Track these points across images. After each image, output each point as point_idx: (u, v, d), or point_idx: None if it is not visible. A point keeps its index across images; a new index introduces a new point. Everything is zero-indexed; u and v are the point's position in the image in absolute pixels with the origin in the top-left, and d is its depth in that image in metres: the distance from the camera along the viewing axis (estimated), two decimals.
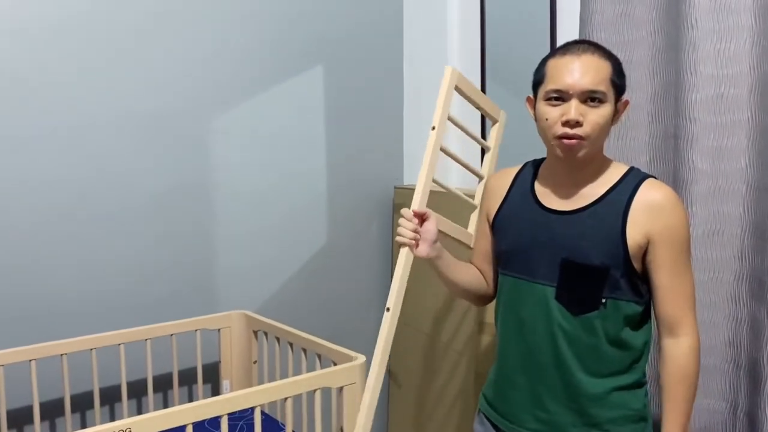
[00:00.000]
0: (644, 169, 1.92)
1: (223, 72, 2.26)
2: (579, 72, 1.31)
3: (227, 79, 2.27)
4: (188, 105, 2.20)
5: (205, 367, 2.27)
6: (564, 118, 1.32)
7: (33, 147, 1.93)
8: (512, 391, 1.46)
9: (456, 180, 2.49)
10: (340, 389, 1.70)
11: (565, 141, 1.33)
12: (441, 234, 1.56)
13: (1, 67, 1.86)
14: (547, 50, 2.12)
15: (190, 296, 2.25)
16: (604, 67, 1.33)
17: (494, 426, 1.51)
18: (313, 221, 2.52)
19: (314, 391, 1.66)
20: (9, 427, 1.92)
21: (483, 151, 1.91)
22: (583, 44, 1.37)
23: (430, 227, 1.50)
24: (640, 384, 1.42)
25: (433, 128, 1.59)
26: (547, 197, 1.43)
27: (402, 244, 1.50)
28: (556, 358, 1.39)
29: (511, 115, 1.94)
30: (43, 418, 1.98)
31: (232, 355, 2.23)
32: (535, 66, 1.44)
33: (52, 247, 1.98)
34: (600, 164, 1.41)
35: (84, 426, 2.06)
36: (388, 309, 1.51)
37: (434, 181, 1.63)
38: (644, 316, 1.41)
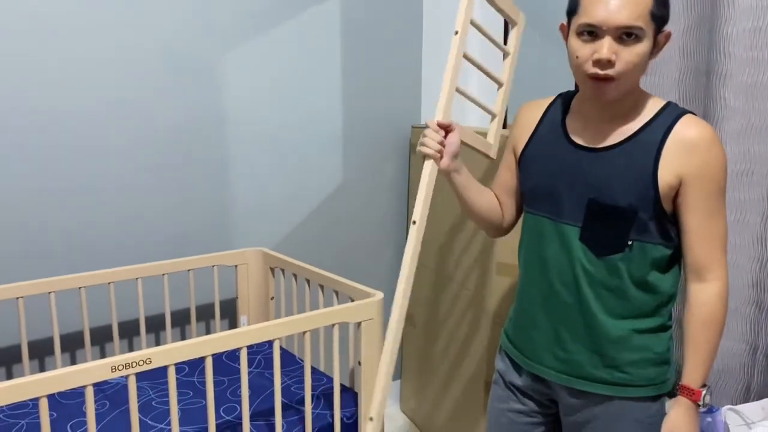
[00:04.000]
0: None
1: (239, 5, 2.19)
2: (615, 4, 1.21)
3: (242, 13, 2.21)
4: (202, 40, 2.14)
5: (222, 303, 2.28)
6: (595, 57, 1.23)
7: (49, 83, 1.90)
8: (533, 329, 1.45)
9: (474, 120, 2.44)
10: (358, 325, 1.70)
11: (596, 81, 1.25)
12: (463, 145, 1.50)
13: (20, 8, 1.81)
14: None
15: (208, 233, 2.25)
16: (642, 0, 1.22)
17: (514, 363, 1.51)
18: (329, 159, 2.49)
19: (332, 326, 1.67)
20: (31, 357, 1.96)
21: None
22: None
23: (454, 139, 1.44)
24: (664, 327, 1.39)
25: (456, 33, 1.51)
26: (578, 133, 1.37)
27: (426, 156, 1.44)
28: (578, 299, 1.37)
29: (529, 52, 1.87)
30: (63, 350, 2.01)
31: (249, 292, 2.24)
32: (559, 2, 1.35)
33: (69, 182, 1.97)
34: (635, 100, 1.33)
35: (104, 357, 2.10)
36: (414, 222, 1.46)
37: (458, 90, 1.56)
38: (673, 259, 1.36)
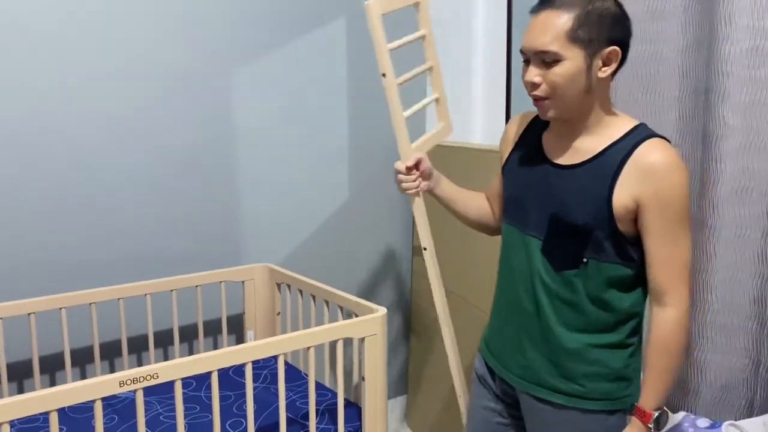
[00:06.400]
0: (673, 126, 1.88)
1: (247, 24, 2.24)
2: (532, 32, 1.28)
3: (251, 31, 2.25)
4: (212, 58, 2.19)
5: (229, 319, 2.31)
6: (524, 80, 1.33)
7: (63, 101, 1.95)
8: (501, 336, 1.51)
9: (480, 137, 2.47)
10: (362, 340, 1.72)
11: (534, 102, 1.33)
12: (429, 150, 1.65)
13: (35, 27, 1.87)
14: None
15: (215, 249, 2.28)
16: (557, 24, 1.24)
17: (488, 367, 1.56)
18: (335, 175, 2.53)
19: (336, 341, 1.69)
20: (42, 372, 1.99)
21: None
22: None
23: (424, 166, 1.58)
24: (624, 344, 1.39)
25: (384, 75, 1.59)
26: (552, 149, 1.41)
27: (412, 195, 1.61)
28: (536, 309, 1.40)
29: None
30: (73, 365, 2.04)
31: (256, 307, 2.27)
32: None
33: (80, 199, 2.01)
34: (598, 119, 1.34)
35: (113, 372, 2.12)
36: (425, 249, 1.68)
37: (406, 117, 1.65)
38: (637, 278, 1.37)
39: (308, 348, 1.65)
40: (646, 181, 1.26)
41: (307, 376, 2.11)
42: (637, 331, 1.41)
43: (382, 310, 1.76)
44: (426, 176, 1.59)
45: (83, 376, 2.08)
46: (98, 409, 1.35)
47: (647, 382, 1.34)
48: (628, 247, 1.32)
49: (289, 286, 2.18)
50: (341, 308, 1.93)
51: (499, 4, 2.45)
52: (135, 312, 2.12)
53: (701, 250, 1.79)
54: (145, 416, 1.78)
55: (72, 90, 1.96)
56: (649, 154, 1.27)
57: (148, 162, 2.11)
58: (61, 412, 1.80)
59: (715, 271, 1.77)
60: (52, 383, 2.02)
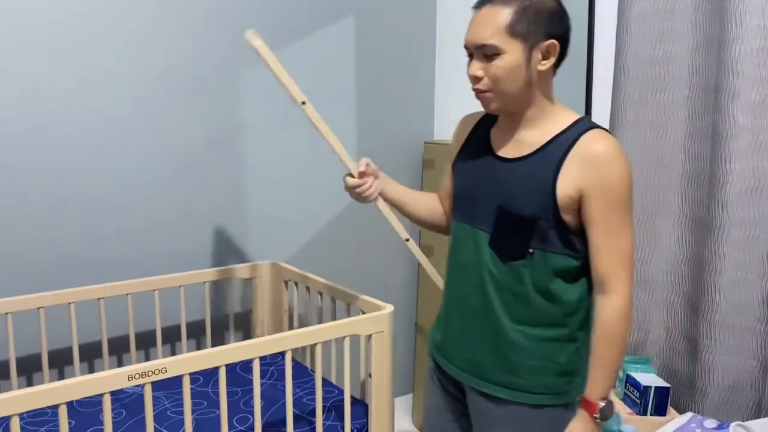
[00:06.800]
0: (682, 125, 1.88)
1: (253, 24, 2.25)
2: (474, 27, 1.32)
3: (260, 30, 2.25)
4: (217, 58, 2.20)
5: (236, 315, 2.32)
6: (468, 74, 1.35)
7: (73, 100, 1.96)
8: (448, 330, 1.52)
9: None
10: (369, 337, 1.72)
11: (477, 95, 1.36)
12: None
13: (43, 27, 1.88)
14: None
15: (223, 246, 2.29)
16: (497, 18, 1.29)
17: (436, 362, 1.57)
18: (343, 173, 2.52)
19: (343, 338, 1.69)
20: (51, 366, 2.00)
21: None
22: None
23: (372, 165, 1.62)
24: (571, 339, 1.41)
25: (303, 103, 1.61)
26: (499, 144, 1.44)
27: (372, 200, 1.64)
28: (484, 303, 1.42)
29: None
30: (82, 359, 2.06)
31: (264, 304, 2.28)
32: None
33: (90, 195, 2.02)
34: (541, 112, 1.38)
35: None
36: (407, 240, 1.77)
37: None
38: (583, 269, 1.39)
39: (315, 345, 1.65)
40: (589, 171, 1.29)
41: (313, 373, 2.12)
42: (584, 325, 1.42)
43: (389, 308, 1.77)
44: (376, 176, 1.63)
45: (91, 371, 2.09)
46: (107, 403, 1.36)
47: (593, 372, 1.36)
48: (573, 237, 1.35)
49: (296, 284, 2.18)
50: (348, 306, 1.94)
51: None
52: (143, 308, 2.13)
53: (710, 250, 1.79)
54: (153, 411, 1.79)
55: (82, 91, 1.97)
56: (592, 144, 1.30)
57: (157, 161, 2.12)
58: (70, 406, 1.80)
59: (724, 272, 1.77)
60: (61, 377, 2.03)
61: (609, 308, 1.33)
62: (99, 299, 1.97)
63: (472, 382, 1.46)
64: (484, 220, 1.42)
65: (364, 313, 1.84)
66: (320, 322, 2.05)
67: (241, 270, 2.22)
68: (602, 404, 1.34)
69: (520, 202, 1.35)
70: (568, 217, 1.33)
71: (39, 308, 1.88)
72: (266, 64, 1.56)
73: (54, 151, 1.96)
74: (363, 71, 2.51)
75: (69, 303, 1.92)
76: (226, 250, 2.30)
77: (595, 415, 1.34)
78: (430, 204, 1.67)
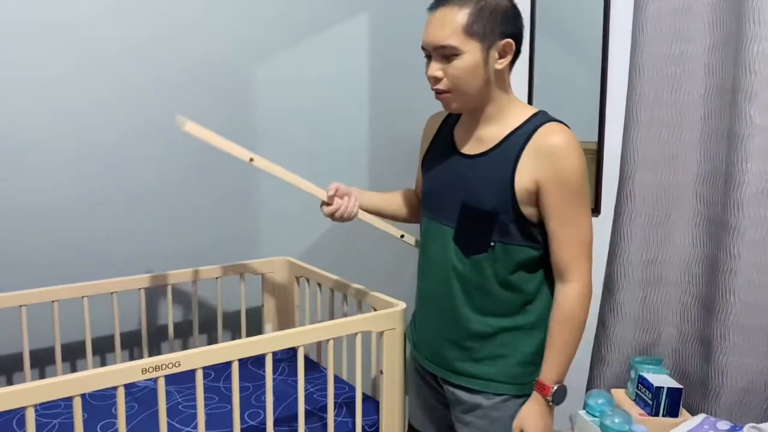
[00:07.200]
0: (698, 125, 1.87)
1: (267, 19, 2.25)
2: (431, 28, 1.35)
3: (272, 30, 2.27)
4: (231, 53, 2.20)
5: (248, 311, 2.33)
6: (427, 75, 1.38)
7: (85, 97, 1.97)
8: (421, 325, 1.58)
9: None
10: (381, 334, 1.72)
11: (437, 95, 1.39)
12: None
13: (55, 26, 1.89)
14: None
15: (235, 242, 2.30)
16: (454, 19, 1.31)
17: (414, 357, 1.64)
18: (355, 170, 2.53)
19: (355, 334, 1.69)
20: (64, 360, 2.02)
21: None
22: None
23: (341, 187, 1.64)
24: (533, 327, 1.44)
25: (251, 159, 1.64)
26: (462, 141, 1.47)
27: (354, 215, 1.66)
28: (448, 297, 1.46)
29: (558, 69, 1.90)
30: (94, 353, 2.07)
31: (275, 300, 2.28)
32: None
33: (103, 192, 2.04)
34: (500, 108, 1.40)
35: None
36: (402, 236, 1.85)
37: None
38: (542, 260, 1.42)
39: (328, 341, 1.66)
40: (546, 163, 1.32)
41: (324, 369, 2.12)
42: (546, 314, 1.44)
43: (402, 305, 1.77)
44: (348, 195, 1.64)
45: (103, 364, 2.10)
46: (120, 396, 1.37)
47: (548, 355, 1.39)
48: (533, 229, 1.38)
49: (308, 280, 2.19)
50: (360, 302, 1.94)
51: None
52: (155, 302, 2.14)
53: (724, 251, 1.78)
54: (165, 405, 1.80)
55: (94, 91, 1.98)
56: (548, 137, 1.33)
57: (171, 158, 2.13)
58: (83, 398, 1.82)
59: (738, 273, 1.76)
60: (73, 371, 2.05)
61: (569, 293, 1.36)
62: (112, 293, 1.98)
63: (443, 374, 1.51)
64: (449, 215, 1.45)
65: (375, 310, 1.84)
66: (332, 318, 2.05)
67: (253, 266, 2.23)
68: (555, 387, 1.37)
69: (481, 197, 1.38)
70: (527, 210, 1.36)
71: (53, 301, 1.89)
72: (205, 141, 1.59)
73: (70, 154, 1.97)
74: (375, 71, 2.51)
75: (82, 297, 1.93)
76: (238, 246, 2.31)
77: (548, 398, 1.37)
78: (409, 201, 1.74)
